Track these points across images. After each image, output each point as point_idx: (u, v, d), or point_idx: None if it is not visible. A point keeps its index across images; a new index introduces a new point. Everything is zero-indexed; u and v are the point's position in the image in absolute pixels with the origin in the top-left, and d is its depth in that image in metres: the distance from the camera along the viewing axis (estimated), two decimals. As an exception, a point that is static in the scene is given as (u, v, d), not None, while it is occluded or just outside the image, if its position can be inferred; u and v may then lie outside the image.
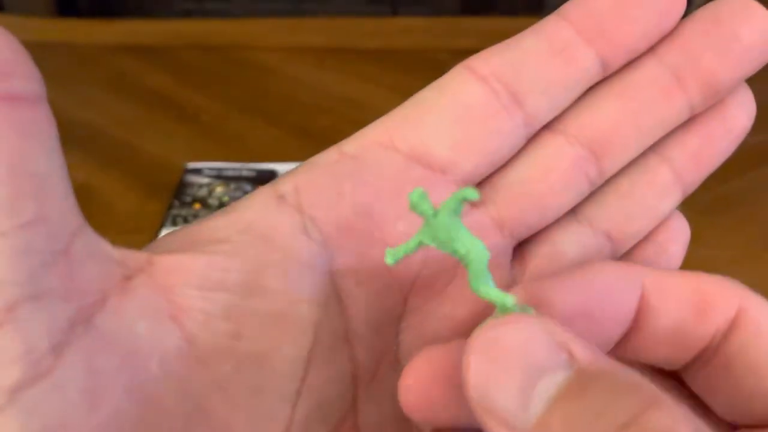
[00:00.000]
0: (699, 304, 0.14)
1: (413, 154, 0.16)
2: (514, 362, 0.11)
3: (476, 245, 0.13)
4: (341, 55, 0.62)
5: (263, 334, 0.14)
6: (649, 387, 0.11)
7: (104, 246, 0.13)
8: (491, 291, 0.13)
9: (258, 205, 0.15)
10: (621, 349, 0.14)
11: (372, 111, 0.64)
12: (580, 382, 0.11)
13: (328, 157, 0.16)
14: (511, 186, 0.16)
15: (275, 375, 0.14)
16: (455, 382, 0.12)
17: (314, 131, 0.54)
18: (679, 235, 0.18)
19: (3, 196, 0.11)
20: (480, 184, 0.17)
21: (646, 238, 0.18)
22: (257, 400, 0.13)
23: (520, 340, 0.11)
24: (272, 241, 0.14)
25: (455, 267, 0.16)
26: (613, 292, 0.14)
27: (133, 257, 0.13)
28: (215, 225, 0.15)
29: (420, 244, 0.13)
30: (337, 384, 0.15)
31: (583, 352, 0.11)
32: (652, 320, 0.14)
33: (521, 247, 0.17)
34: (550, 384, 0.11)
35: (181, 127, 0.55)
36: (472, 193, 0.12)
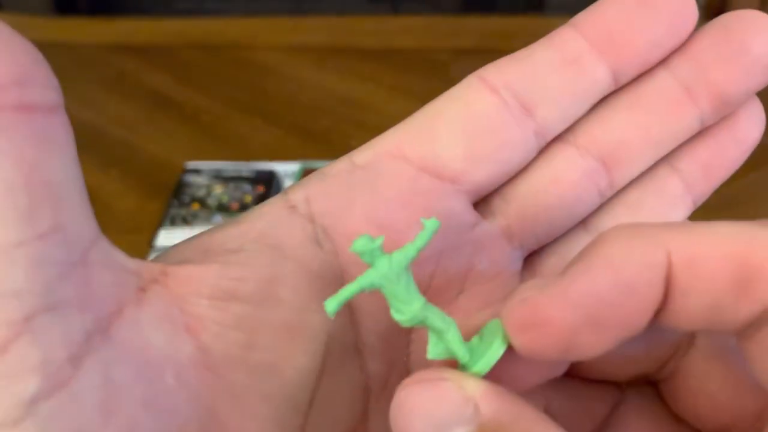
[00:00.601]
0: (740, 279, 0.12)
1: (424, 164, 0.16)
2: (418, 420, 0.12)
3: (419, 309, 0.13)
4: (341, 54, 0.62)
5: (276, 344, 0.14)
6: None
7: (119, 256, 0.13)
8: (455, 350, 0.13)
9: (269, 214, 0.15)
10: (653, 322, 0.13)
11: (372, 111, 0.64)
12: None
13: (340, 167, 0.16)
14: (521, 197, 0.16)
15: (287, 385, 0.14)
16: None
17: (314, 131, 0.54)
18: None
19: (20, 205, 0.10)
20: (490, 195, 0.17)
21: None
22: (270, 410, 0.13)
23: (426, 399, 0.12)
24: (284, 251, 0.14)
25: (464, 278, 0.16)
26: (625, 293, 0.12)
27: (147, 267, 0.13)
28: (227, 234, 0.15)
29: (362, 290, 0.13)
30: (348, 394, 0.15)
31: (487, 406, 0.12)
32: (681, 301, 0.12)
33: (531, 258, 0.17)
34: None
35: (181, 126, 0.55)
36: (415, 249, 0.13)
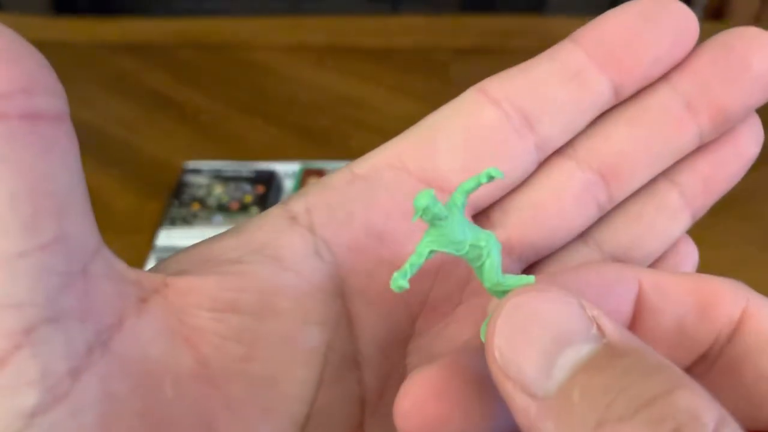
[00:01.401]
0: (700, 304, 0.13)
1: (424, 176, 0.16)
2: (541, 329, 0.11)
3: (491, 236, 0.13)
4: (341, 54, 0.62)
5: (275, 356, 0.14)
6: (676, 369, 0.11)
7: (120, 266, 0.13)
8: (512, 279, 0.13)
9: (270, 225, 0.15)
10: None
11: (372, 110, 0.64)
12: (607, 356, 0.11)
13: (340, 177, 0.16)
14: (521, 210, 0.16)
15: (286, 397, 0.14)
16: (453, 396, 0.12)
17: (314, 131, 0.54)
18: (688, 258, 0.18)
19: (23, 215, 0.10)
20: (490, 208, 0.17)
21: (656, 261, 0.18)
22: (268, 423, 0.13)
23: (550, 308, 0.11)
24: (284, 262, 0.14)
25: (463, 289, 0.16)
26: (607, 290, 0.13)
27: (148, 278, 0.13)
28: (227, 245, 0.14)
29: (431, 254, 0.13)
30: (345, 406, 0.15)
31: (613, 328, 0.11)
32: (651, 319, 0.14)
33: (530, 270, 0.17)
34: (576, 354, 0.11)
35: (180, 126, 0.55)
36: (477, 181, 0.12)
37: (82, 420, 0.11)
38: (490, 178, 0.12)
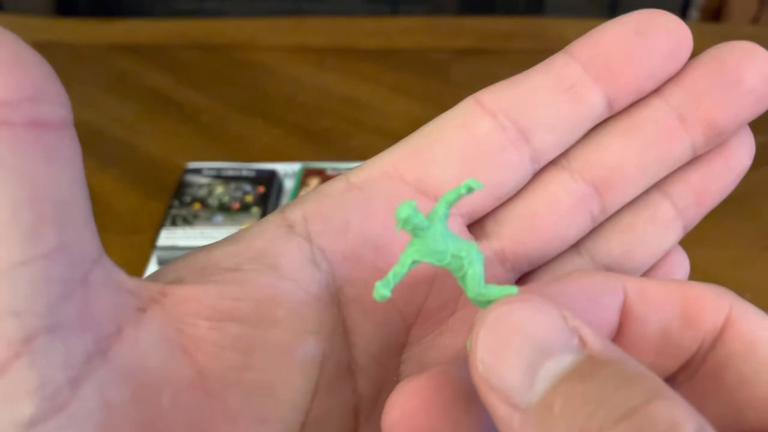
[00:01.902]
0: (685, 311, 0.13)
1: (420, 186, 0.16)
2: (524, 339, 0.11)
3: (472, 247, 0.13)
4: (341, 55, 0.62)
5: (271, 365, 0.14)
6: (656, 379, 0.11)
7: (119, 275, 0.13)
8: (495, 289, 0.13)
9: (267, 233, 0.15)
10: None
11: (372, 111, 0.64)
12: (588, 367, 0.11)
13: (337, 186, 0.16)
14: (515, 220, 0.17)
15: (282, 406, 0.14)
16: (441, 407, 0.12)
17: (314, 131, 0.54)
18: (679, 268, 0.18)
19: (25, 224, 0.10)
20: (485, 218, 0.17)
21: (648, 271, 0.18)
22: (264, 431, 0.13)
23: (532, 319, 0.11)
24: (282, 271, 0.14)
25: (457, 299, 0.16)
26: (592, 299, 0.13)
27: (146, 288, 0.13)
28: (225, 252, 0.15)
29: (413, 264, 0.13)
30: (339, 415, 0.15)
31: (594, 339, 0.11)
32: (637, 327, 0.14)
33: (523, 280, 0.17)
34: (558, 365, 0.11)
35: (181, 126, 0.55)
36: (458, 193, 0.12)
37: (81, 429, 0.11)
38: (470, 190, 0.12)
